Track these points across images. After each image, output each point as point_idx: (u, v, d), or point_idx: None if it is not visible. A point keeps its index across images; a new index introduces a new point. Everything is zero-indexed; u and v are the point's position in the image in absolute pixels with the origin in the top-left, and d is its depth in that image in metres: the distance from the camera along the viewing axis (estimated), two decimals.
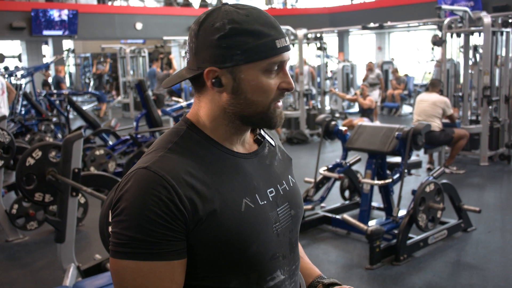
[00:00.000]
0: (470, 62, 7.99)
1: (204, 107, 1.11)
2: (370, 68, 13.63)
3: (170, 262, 0.99)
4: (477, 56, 7.94)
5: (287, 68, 1.12)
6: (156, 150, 1.07)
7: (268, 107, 1.09)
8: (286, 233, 1.16)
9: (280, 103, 1.12)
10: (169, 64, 14.13)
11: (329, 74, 15.45)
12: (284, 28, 10.19)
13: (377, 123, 8.85)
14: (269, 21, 1.06)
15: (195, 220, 1.00)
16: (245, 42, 1.03)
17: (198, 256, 1.04)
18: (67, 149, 3.56)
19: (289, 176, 1.25)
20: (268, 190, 1.14)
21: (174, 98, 8.64)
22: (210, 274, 1.06)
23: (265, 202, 1.11)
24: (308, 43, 10.43)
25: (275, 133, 1.34)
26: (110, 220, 1.02)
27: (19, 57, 15.63)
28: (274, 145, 1.26)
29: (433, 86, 6.97)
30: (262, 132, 1.24)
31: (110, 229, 1.03)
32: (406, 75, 14.66)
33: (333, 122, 5.16)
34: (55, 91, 11.78)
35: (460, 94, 7.83)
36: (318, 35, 10.42)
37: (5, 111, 7.53)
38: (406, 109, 13.83)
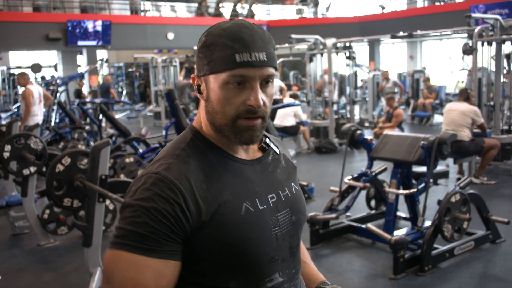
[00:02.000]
0: (505, 71, 7.85)
1: (201, 114, 1.20)
2: (385, 77, 13.49)
3: (165, 261, 1.05)
4: (511, 64, 7.79)
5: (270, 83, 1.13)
6: (165, 157, 1.14)
7: (232, 121, 1.11)
8: (286, 238, 1.20)
9: (253, 121, 1.11)
10: (191, 73, 14.31)
11: (360, 83, 15.37)
12: (312, 37, 10.22)
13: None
14: (240, 36, 1.08)
15: (199, 222, 1.06)
16: (211, 54, 1.09)
17: (200, 256, 1.09)
18: (95, 156, 3.66)
19: (292, 184, 1.29)
20: (269, 196, 1.19)
21: None
22: (211, 273, 1.11)
23: (265, 206, 1.16)
24: (337, 53, 10.41)
25: (282, 142, 1.39)
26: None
27: (55, 67, 16.11)
28: (278, 153, 1.30)
29: (460, 94, 6.92)
30: (267, 140, 1.28)
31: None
32: (436, 85, 14.49)
33: (358, 132, 5.14)
34: (104, 100, 12.10)
35: (492, 103, 7.69)
36: (347, 44, 10.39)
37: (41, 119, 7.85)
38: (437, 118, 13.62)
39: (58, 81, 10.44)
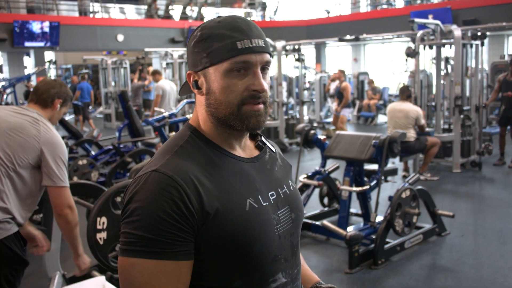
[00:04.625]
0: (442, 73, 8.27)
1: (198, 111, 1.19)
2: (338, 77, 13.73)
3: (178, 262, 1.03)
4: (449, 67, 8.21)
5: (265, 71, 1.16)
6: (163, 153, 1.12)
7: (237, 107, 1.11)
8: (287, 236, 1.19)
9: (257, 106, 1.13)
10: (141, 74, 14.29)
11: (307, 85, 15.68)
12: None
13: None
14: (237, 26, 1.11)
15: (203, 218, 1.04)
16: (210, 46, 1.10)
17: (205, 255, 1.07)
18: None
19: (289, 181, 1.29)
20: (270, 193, 1.18)
21: (157, 109, 8.77)
22: (215, 273, 1.09)
23: (267, 203, 1.15)
24: (286, 55, 10.62)
25: (273, 143, 1.39)
26: (121, 222, 1.07)
27: (1, 68, 15.52)
28: (274, 151, 1.31)
29: (401, 93, 7.07)
30: (263, 139, 1.28)
31: (121, 229, 1.06)
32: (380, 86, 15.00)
33: (312, 131, 5.28)
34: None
35: (433, 104, 8.07)
36: (296, 47, 10.61)
37: None
38: (381, 118, 14.10)
39: (3, 82, 10.10)
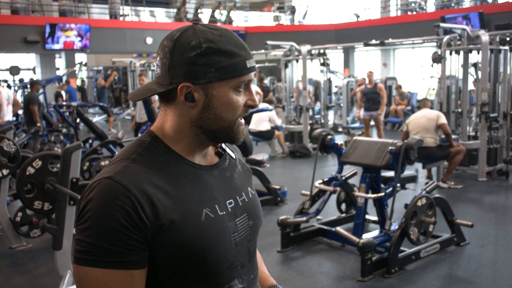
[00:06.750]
0: (472, 79, 8.08)
1: (170, 120, 1.15)
2: (361, 83, 13.50)
3: (130, 271, 1.02)
4: (479, 73, 8.02)
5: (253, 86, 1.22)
6: (120, 160, 1.10)
7: (234, 123, 1.15)
8: (244, 243, 1.20)
9: (242, 120, 1.18)
10: None
11: (334, 89, 15.60)
12: (287, 44, 10.37)
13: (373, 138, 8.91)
14: (240, 43, 1.13)
15: (157, 228, 1.04)
16: (219, 61, 1.09)
17: (160, 264, 1.07)
18: (66, 159, 3.68)
19: (249, 188, 1.29)
20: (228, 201, 1.19)
21: None
22: (170, 282, 1.09)
23: (224, 212, 1.16)
24: (311, 59, 10.57)
25: (236, 147, 1.39)
26: (75, 227, 1.07)
27: (34, 69, 15.98)
28: (234, 157, 1.31)
29: (422, 102, 7.30)
30: (223, 145, 1.28)
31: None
32: (408, 92, 14.77)
33: (329, 137, 5.23)
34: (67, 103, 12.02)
35: (460, 110, 7.90)
36: (322, 51, 10.55)
37: (7, 119, 8.32)
38: None
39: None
